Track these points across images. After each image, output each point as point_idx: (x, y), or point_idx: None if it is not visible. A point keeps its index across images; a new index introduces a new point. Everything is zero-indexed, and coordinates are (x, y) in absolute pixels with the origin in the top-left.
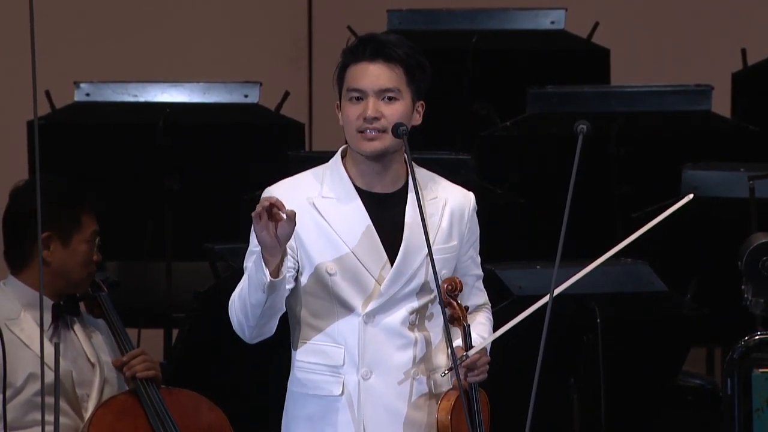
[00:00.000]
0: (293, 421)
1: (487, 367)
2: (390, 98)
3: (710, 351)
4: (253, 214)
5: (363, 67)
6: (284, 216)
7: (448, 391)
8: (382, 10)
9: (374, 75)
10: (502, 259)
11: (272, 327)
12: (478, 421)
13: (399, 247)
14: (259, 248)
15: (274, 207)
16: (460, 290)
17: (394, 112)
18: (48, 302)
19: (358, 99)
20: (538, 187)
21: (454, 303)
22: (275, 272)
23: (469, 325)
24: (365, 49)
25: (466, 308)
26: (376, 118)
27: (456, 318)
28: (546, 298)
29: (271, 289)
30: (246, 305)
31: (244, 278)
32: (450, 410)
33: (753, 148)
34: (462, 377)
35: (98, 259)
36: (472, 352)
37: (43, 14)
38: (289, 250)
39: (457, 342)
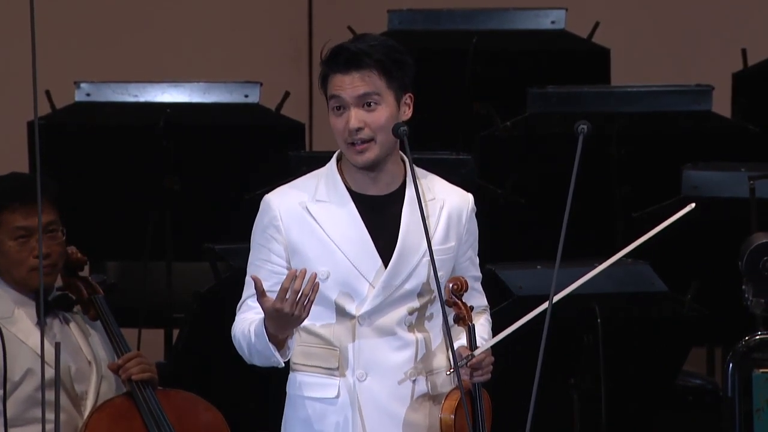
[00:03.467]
0: (291, 424)
1: (492, 367)
2: (370, 104)
3: (711, 351)
4: (288, 307)
5: (339, 79)
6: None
7: (452, 390)
8: (383, 10)
9: (350, 86)
10: (502, 259)
11: None
12: (481, 421)
13: (394, 249)
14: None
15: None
16: (466, 290)
17: (378, 118)
18: (32, 300)
19: (340, 109)
20: (539, 187)
21: (460, 303)
22: (284, 348)
23: (474, 325)
24: (337, 60)
25: (471, 308)
26: (360, 129)
27: (461, 318)
28: (542, 306)
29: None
30: (252, 356)
31: (250, 331)
32: (454, 410)
33: (753, 148)
34: (467, 377)
35: (47, 251)
36: (477, 352)
37: (43, 14)
38: (278, 261)
39: (462, 342)
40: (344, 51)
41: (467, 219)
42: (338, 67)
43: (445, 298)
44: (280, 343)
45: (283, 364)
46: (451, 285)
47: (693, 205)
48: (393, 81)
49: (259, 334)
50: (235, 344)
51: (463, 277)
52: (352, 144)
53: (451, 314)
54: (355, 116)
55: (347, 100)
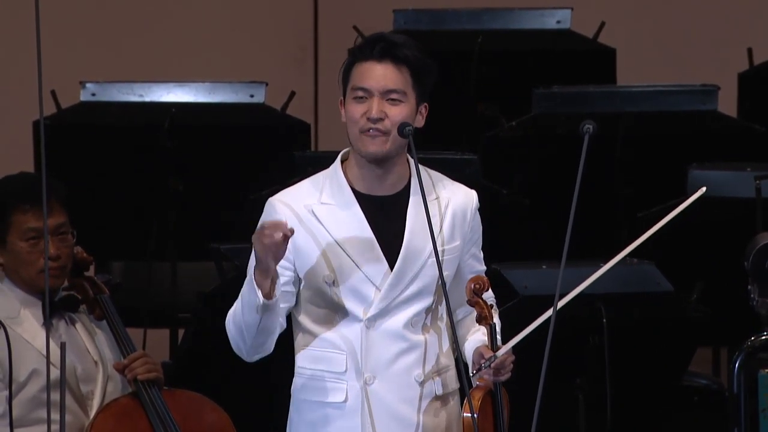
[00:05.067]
0: (297, 428)
1: (513, 365)
2: (394, 100)
3: (716, 351)
4: (265, 241)
5: (370, 66)
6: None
7: (472, 390)
8: (388, 10)
9: (381, 75)
10: (507, 259)
11: (270, 346)
12: (501, 419)
13: (399, 251)
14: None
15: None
16: (487, 289)
17: (398, 113)
18: (38, 301)
19: (363, 98)
20: (544, 188)
21: (481, 302)
22: (269, 294)
23: (495, 324)
24: (373, 48)
25: (491, 307)
26: (380, 119)
27: (483, 317)
28: (562, 300)
29: (265, 309)
30: (241, 326)
31: (239, 301)
32: (477, 410)
33: (759, 147)
34: (490, 377)
35: (57, 254)
36: (500, 352)
37: (48, 14)
38: (283, 263)
39: (483, 340)
40: (383, 39)
41: (471, 217)
42: (373, 53)
43: (467, 297)
44: (264, 289)
45: (262, 302)
46: (473, 285)
47: (704, 189)
48: (419, 84)
49: (248, 282)
50: (232, 342)
51: (484, 276)
52: (366, 132)
53: (473, 314)
54: (378, 106)
55: (373, 91)
